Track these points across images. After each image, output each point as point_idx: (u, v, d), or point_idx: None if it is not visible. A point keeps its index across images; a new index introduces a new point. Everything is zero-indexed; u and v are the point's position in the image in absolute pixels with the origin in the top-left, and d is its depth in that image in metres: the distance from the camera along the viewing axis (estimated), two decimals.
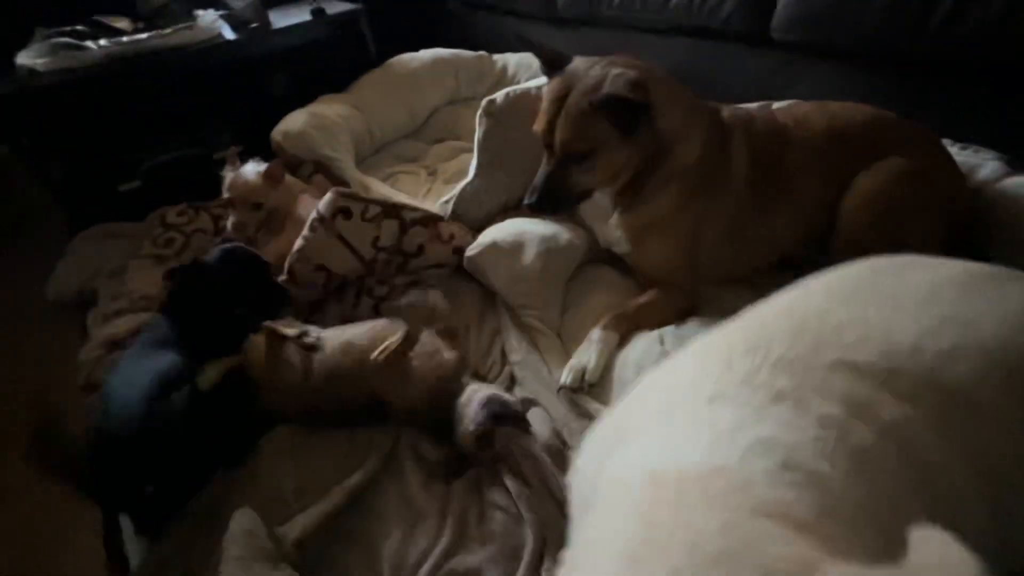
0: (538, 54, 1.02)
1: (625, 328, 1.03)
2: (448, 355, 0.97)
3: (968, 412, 0.44)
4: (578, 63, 0.98)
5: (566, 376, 0.98)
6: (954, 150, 1.07)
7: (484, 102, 1.29)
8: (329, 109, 1.73)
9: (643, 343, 0.99)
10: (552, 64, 1.01)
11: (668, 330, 1.01)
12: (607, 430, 0.53)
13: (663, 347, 0.99)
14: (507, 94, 1.30)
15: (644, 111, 0.93)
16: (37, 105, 1.55)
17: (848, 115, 1.03)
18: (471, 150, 1.78)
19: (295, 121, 1.65)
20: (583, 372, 0.97)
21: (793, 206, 1.04)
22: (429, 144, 1.92)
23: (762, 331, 0.49)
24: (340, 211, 1.18)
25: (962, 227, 0.99)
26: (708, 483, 0.36)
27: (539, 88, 1.34)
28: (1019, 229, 0.96)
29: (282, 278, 1.18)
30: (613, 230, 1.13)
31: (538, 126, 1.00)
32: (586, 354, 0.99)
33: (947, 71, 1.12)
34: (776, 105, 1.27)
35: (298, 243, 1.18)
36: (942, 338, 0.46)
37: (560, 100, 0.95)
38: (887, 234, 0.95)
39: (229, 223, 1.35)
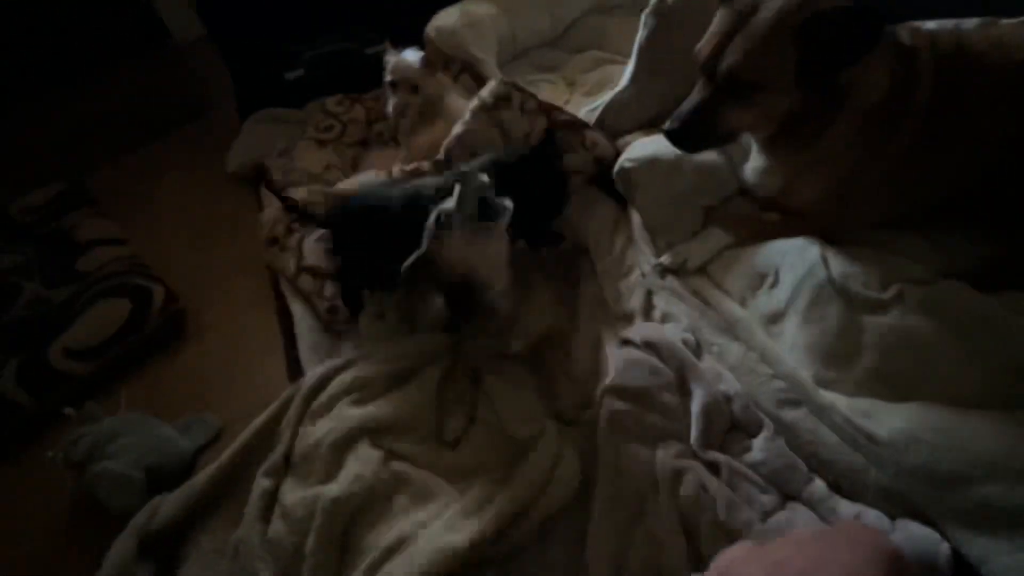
0: None
1: (742, 233, 1.03)
2: None
3: None
4: None
5: (668, 257, 1.07)
6: None
7: (653, 1, 1.22)
8: (478, 8, 1.73)
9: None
10: None
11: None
12: None
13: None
14: None
15: (864, 49, 0.77)
16: None
17: None
18: (614, 62, 1.74)
19: (448, 18, 1.68)
20: (685, 259, 1.06)
21: (972, 144, 0.89)
22: (570, 54, 1.87)
23: None
24: (502, 98, 1.22)
25: None
26: None
27: None
28: None
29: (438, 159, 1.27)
30: (755, 173, 1.04)
31: (704, 46, 0.86)
32: (695, 244, 1.05)
33: None
34: (967, 24, 1.08)
35: (458, 128, 1.25)
36: None
37: (743, 17, 0.80)
38: None
39: (390, 105, 1.44)
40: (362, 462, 0.87)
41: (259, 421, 0.98)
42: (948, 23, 1.14)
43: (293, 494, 0.84)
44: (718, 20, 0.86)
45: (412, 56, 1.41)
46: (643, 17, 1.24)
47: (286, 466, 0.91)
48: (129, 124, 2.30)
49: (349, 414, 0.93)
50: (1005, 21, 1.05)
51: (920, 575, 0.36)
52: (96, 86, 2.60)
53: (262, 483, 0.87)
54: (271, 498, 0.86)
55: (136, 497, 0.95)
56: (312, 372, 1.03)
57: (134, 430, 1.04)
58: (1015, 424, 0.74)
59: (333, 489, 0.83)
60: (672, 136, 0.91)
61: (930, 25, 1.14)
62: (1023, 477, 0.71)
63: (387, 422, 0.96)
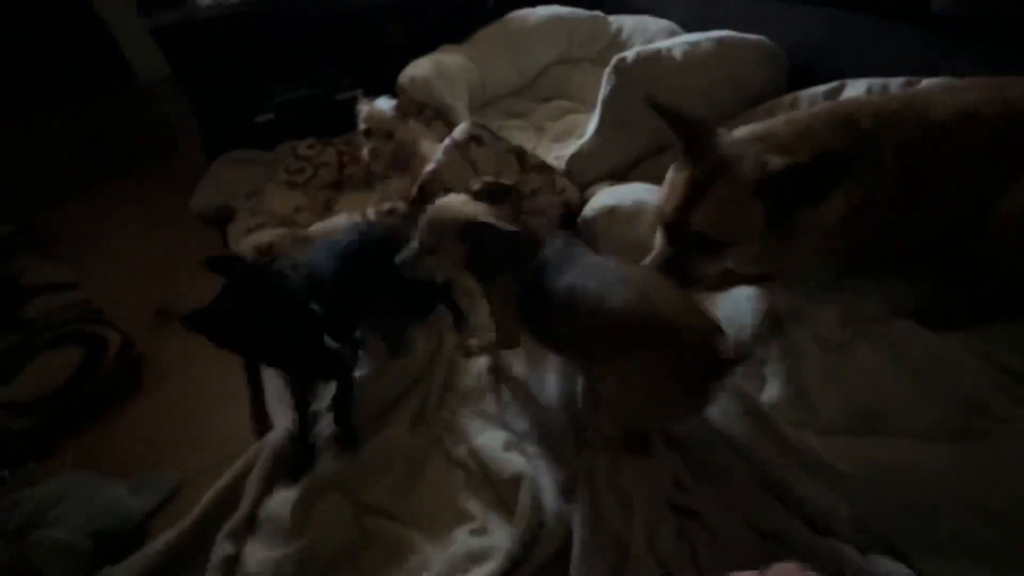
0: (677, 123, 0.84)
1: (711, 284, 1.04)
2: None
3: None
4: (725, 140, 0.83)
5: None
6: None
7: (614, 60, 1.31)
8: (450, 59, 1.80)
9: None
10: (693, 136, 0.83)
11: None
12: None
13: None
14: (638, 53, 1.31)
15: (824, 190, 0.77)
16: (198, 35, 1.72)
17: None
18: (579, 111, 1.83)
19: (420, 67, 1.73)
20: None
21: (941, 209, 0.93)
22: (536, 102, 1.97)
23: None
24: (473, 138, 1.27)
25: None
26: None
27: (669, 50, 1.35)
28: None
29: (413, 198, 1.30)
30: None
31: (666, 206, 0.85)
32: None
33: None
34: (939, 82, 1.13)
35: (431, 165, 1.28)
36: None
37: (702, 182, 0.80)
38: None
39: (365, 151, 1.46)
40: (331, 517, 0.83)
41: (223, 482, 0.92)
42: (877, 82, 1.27)
43: (256, 557, 0.79)
44: (675, 180, 0.84)
45: (385, 104, 1.44)
46: (605, 74, 1.32)
47: (250, 528, 0.85)
48: (87, 163, 2.23)
49: (319, 470, 0.89)
50: (976, 84, 1.00)
51: None
52: (53, 123, 2.53)
53: (224, 547, 0.82)
54: (233, 564, 0.80)
55: (81, 568, 0.87)
56: (279, 429, 0.98)
57: (79, 492, 0.96)
58: (967, 456, 0.79)
59: (300, 548, 0.78)
60: None
61: (859, 86, 1.27)
62: (977, 507, 0.75)
63: (359, 471, 0.92)
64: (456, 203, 0.90)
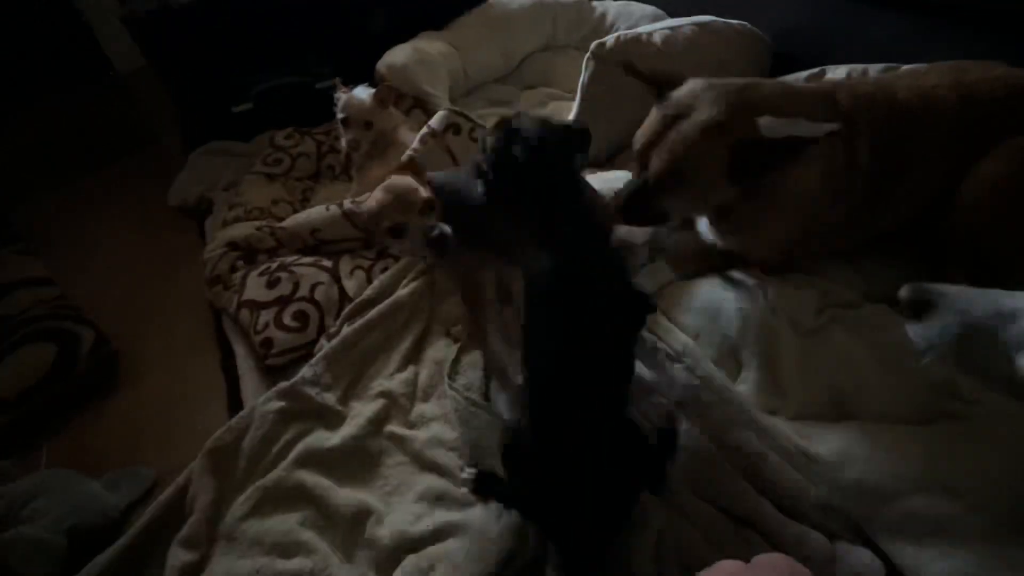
0: (652, 78, 0.89)
1: (687, 268, 1.08)
2: None
3: None
4: (694, 86, 0.85)
5: None
6: None
7: (593, 45, 1.29)
8: (430, 46, 1.77)
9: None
10: (664, 86, 0.87)
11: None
12: None
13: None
14: (617, 38, 1.29)
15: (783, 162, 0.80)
16: (173, 23, 1.68)
17: (987, 86, 0.90)
18: (562, 98, 1.81)
19: (399, 55, 1.70)
20: None
21: (910, 191, 0.95)
22: (520, 89, 1.94)
23: None
24: (451, 127, 1.25)
25: None
26: None
27: (649, 35, 1.33)
28: None
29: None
30: (710, 231, 1.03)
31: (638, 141, 0.88)
32: (642, 278, 1.07)
33: None
34: (905, 68, 1.17)
35: (407, 155, 1.26)
36: None
37: (665, 125, 0.83)
38: (1011, 229, 0.87)
39: (343, 141, 1.44)
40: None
41: (177, 483, 0.91)
42: (858, 68, 1.26)
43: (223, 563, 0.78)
44: (650, 119, 0.87)
45: (363, 93, 1.42)
46: (584, 60, 1.30)
47: (211, 534, 0.84)
48: (63, 155, 2.20)
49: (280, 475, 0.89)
50: (935, 69, 1.03)
51: None
52: (28, 115, 2.48)
53: (181, 556, 0.79)
54: (191, 570, 0.79)
55: (56, 565, 0.87)
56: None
57: (55, 489, 0.96)
58: (935, 438, 0.80)
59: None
60: (618, 212, 0.92)
61: (840, 71, 1.26)
62: (944, 488, 0.75)
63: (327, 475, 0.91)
64: None
